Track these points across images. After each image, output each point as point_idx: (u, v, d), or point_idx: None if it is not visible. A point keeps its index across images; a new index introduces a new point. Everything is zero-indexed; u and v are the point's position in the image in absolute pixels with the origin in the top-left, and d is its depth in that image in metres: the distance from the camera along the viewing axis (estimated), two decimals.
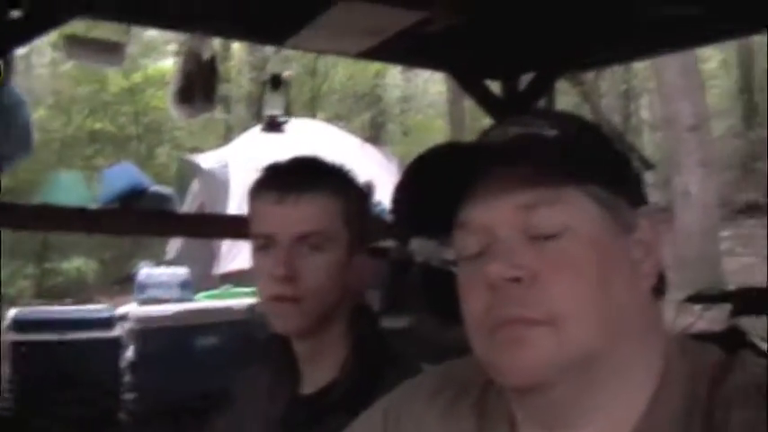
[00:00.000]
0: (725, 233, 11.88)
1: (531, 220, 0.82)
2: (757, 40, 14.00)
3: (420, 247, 3.48)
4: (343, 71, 17.58)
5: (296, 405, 1.50)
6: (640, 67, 14.67)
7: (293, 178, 1.46)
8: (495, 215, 0.83)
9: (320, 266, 1.43)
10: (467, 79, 4.65)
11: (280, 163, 1.50)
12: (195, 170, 9.00)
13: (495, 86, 4.63)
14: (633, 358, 0.83)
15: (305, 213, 1.43)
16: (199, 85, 4.05)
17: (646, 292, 0.86)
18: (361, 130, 15.61)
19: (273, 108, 4.32)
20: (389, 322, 3.09)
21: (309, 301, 1.42)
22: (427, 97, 19.63)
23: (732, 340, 2.00)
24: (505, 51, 4.12)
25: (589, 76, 14.22)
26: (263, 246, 1.45)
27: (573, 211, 0.82)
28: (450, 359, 1.01)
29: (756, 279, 10.93)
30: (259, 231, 1.46)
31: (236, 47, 15.71)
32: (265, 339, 1.58)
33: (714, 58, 16.13)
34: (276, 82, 4.30)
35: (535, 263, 0.80)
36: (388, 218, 4.71)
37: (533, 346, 0.79)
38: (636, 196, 0.88)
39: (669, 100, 10.53)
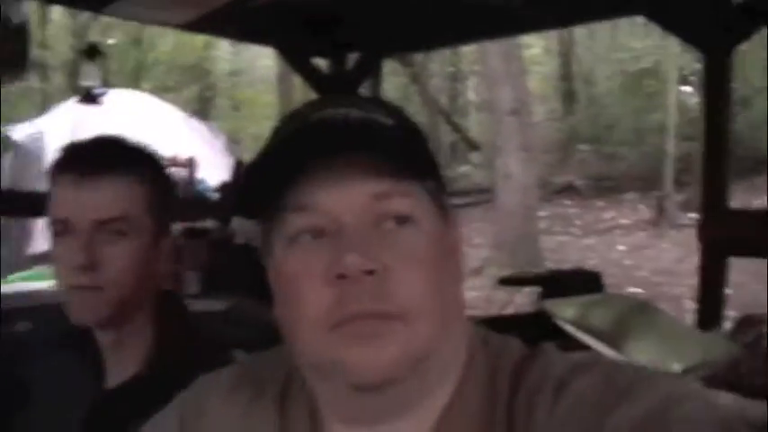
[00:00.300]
0: (543, 213, 12.42)
1: (382, 210, 0.79)
2: (577, 30, 14.69)
3: (241, 228, 3.41)
4: (170, 41, 17.07)
5: (99, 399, 1.42)
6: (468, 49, 15.05)
7: (93, 160, 1.37)
8: (346, 202, 0.79)
9: (122, 254, 1.35)
10: (294, 56, 4.60)
11: (79, 143, 1.40)
12: (7, 143, 8.47)
13: (323, 64, 4.62)
14: (449, 352, 0.83)
15: (105, 198, 1.35)
16: (8, 50, 3.80)
17: (458, 287, 0.86)
18: (188, 103, 15.24)
19: (90, 79, 4.12)
20: (208, 305, 3.02)
21: (111, 290, 1.35)
22: (257, 71, 19.37)
23: (539, 323, 2.06)
24: (333, 30, 4.10)
25: (418, 57, 14.48)
26: (62, 231, 1.36)
27: (418, 205, 0.81)
28: (271, 341, 0.96)
29: (570, 256, 11.55)
30: (56, 216, 1.37)
31: (56, 11, 14.94)
32: (66, 329, 1.48)
33: (537, 45, 16.75)
34: (92, 51, 4.09)
35: (388, 255, 0.77)
36: (211, 196, 4.60)
37: (388, 342, 0.76)
38: (447, 193, 0.88)
39: (492, 84, 10.80)
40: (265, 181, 0.80)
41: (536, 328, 2.04)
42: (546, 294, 2.94)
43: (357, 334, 0.76)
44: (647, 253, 11.39)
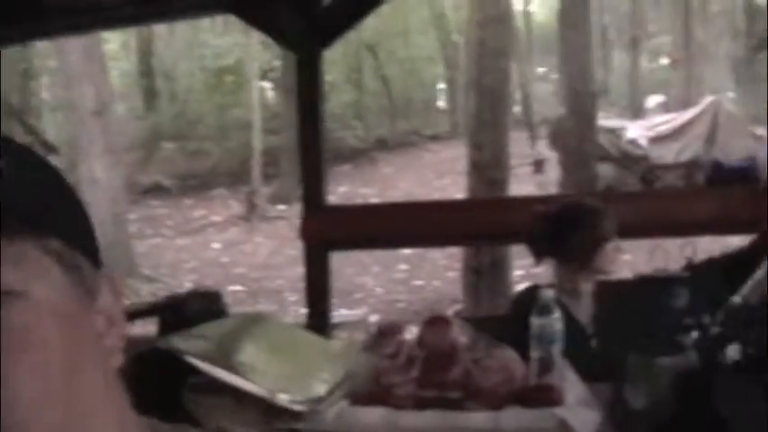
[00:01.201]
0: (132, 216, 12.08)
1: None
2: (156, 26, 14.53)
3: None
4: None
5: None
6: (42, 45, 14.20)
7: None
8: None
9: None
10: None
11: None
12: None
13: None
14: None
15: None
16: None
17: (113, 372, 0.68)
18: None
19: None
20: None
21: None
22: None
23: (167, 360, 1.84)
24: None
25: None
26: None
27: (30, 274, 0.60)
28: None
29: (165, 258, 11.36)
30: None
31: None
32: None
33: (115, 41, 16.28)
34: None
35: None
36: None
37: None
38: (95, 254, 0.69)
39: (71, 82, 10.33)
40: None
41: (166, 366, 1.84)
42: (165, 322, 2.72)
43: None
44: (242, 248, 11.58)
